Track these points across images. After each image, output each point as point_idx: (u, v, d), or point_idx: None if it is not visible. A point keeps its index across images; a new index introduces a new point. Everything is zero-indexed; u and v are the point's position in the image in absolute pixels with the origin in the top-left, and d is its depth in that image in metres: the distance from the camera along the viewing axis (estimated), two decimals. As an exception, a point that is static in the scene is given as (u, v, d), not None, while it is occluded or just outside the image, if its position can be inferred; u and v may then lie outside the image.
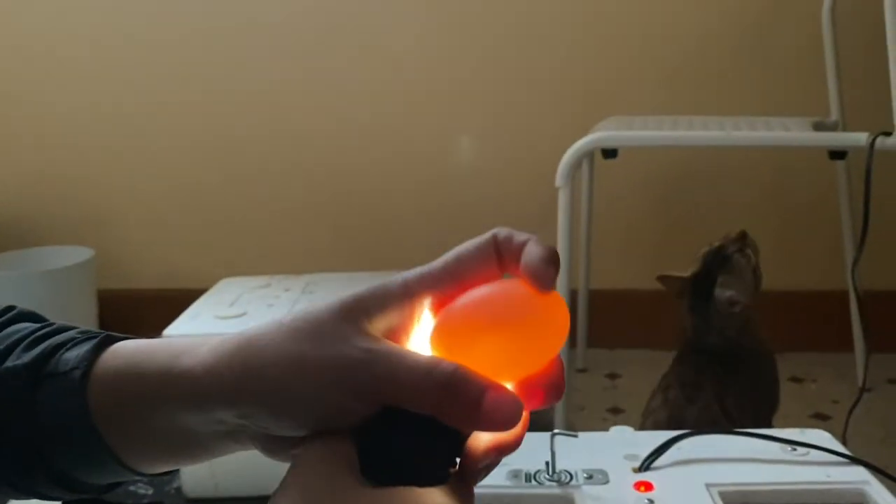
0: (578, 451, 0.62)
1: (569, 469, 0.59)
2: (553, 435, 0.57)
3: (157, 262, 1.83)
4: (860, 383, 1.33)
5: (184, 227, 1.83)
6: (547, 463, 0.58)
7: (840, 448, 0.67)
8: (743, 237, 1.15)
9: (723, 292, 1.09)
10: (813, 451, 0.69)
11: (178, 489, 1.16)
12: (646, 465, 0.62)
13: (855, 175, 1.38)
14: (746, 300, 1.10)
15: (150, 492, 1.18)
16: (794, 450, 0.69)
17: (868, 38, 1.20)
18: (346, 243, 1.75)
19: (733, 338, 1.09)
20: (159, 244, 1.83)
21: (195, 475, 1.15)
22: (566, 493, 0.56)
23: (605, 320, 1.62)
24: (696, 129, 1.27)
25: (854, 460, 0.66)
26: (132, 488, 1.19)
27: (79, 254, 1.71)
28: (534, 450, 0.61)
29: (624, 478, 0.60)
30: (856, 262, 1.12)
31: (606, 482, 0.58)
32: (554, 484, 0.57)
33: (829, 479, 0.63)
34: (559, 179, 1.19)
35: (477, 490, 0.37)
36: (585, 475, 0.59)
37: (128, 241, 1.84)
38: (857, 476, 0.63)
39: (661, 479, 0.59)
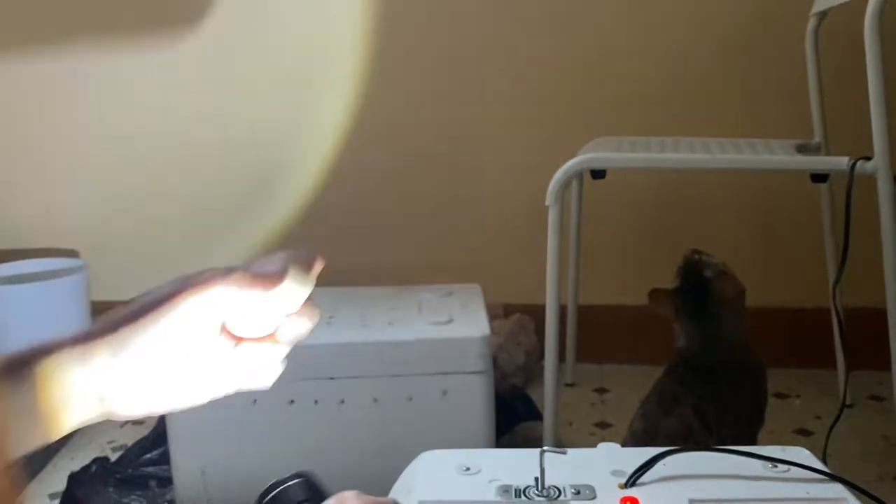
0: (566, 467, 0.64)
1: (557, 485, 0.61)
2: (542, 452, 0.59)
3: (151, 274, 1.84)
4: (841, 400, 1.36)
5: (180, 237, 1.84)
6: (536, 479, 0.60)
7: (819, 465, 0.69)
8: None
9: (715, 275, 1.12)
10: (793, 468, 0.71)
11: (172, 502, 1.17)
12: (632, 482, 0.64)
13: (837, 197, 1.42)
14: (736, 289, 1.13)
15: (143, 504, 1.19)
16: (775, 466, 0.71)
17: (851, 62, 1.23)
18: (344, 257, 1.77)
19: (738, 345, 1.11)
20: (153, 255, 1.85)
21: (188, 488, 1.16)
22: None
23: (594, 335, 1.64)
24: (682, 152, 1.30)
25: (833, 477, 0.68)
26: (125, 501, 1.20)
27: (70, 264, 1.73)
28: (523, 466, 0.63)
29: (611, 493, 0.61)
30: (836, 281, 1.15)
31: (594, 497, 0.60)
32: (543, 500, 0.59)
33: (808, 496, 0.65)
34: (549, 198, 1.21)
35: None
36: (573, 490, 0.61)
37: (120, 252, 1.85)
38: (836, 493, 0.65)
39: (646, 495, 0.61)
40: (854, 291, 1.41)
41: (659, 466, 0.67)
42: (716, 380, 1.14)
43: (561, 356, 1.56)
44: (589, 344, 1.66)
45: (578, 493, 0.60)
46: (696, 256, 1.16)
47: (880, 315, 1.30)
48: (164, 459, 1.21)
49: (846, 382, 1.27)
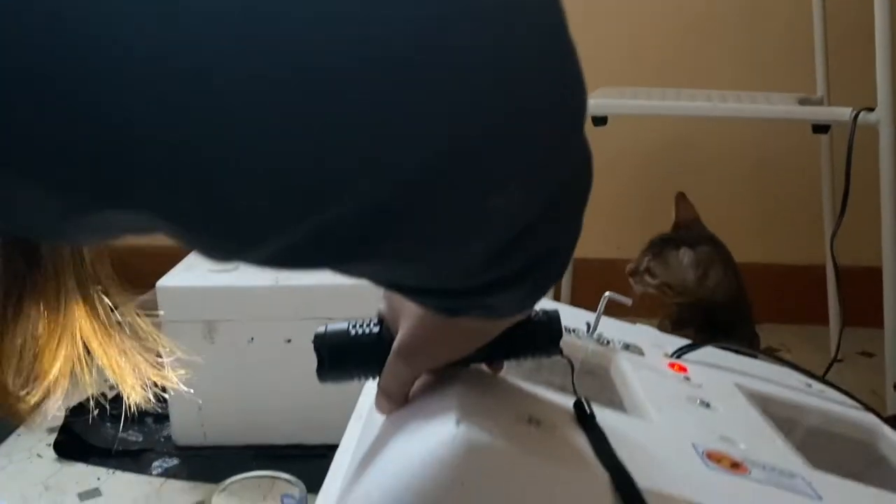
0: (616, 329, 0.63)
1: (607, 336, 0.60)
2: (605, 297, 0.57)
3: None
4: (832, 354, 1.37)
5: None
6: (588, 323, 0.58)
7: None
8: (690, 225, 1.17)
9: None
10: (829, 390, 0.71)
11: (168, 437, 1.14)
12: (678, 354, 0.63)
13: (838, 152, 1.43)
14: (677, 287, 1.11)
15: (141, 439, 1.15)
16: (810, 386, 0.71)
17: (857, 15, 1.25)
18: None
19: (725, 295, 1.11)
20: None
21: (185, 425, 1.13)
22: (604, 351, 0.57)
23: (590, 289, 1.64)
24: (684, 100, 1.31)
25: (867, 408, 0.67)
26: (122, 435, 1.16)
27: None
28: (578, 316, 0.62)
29: (658, 358, 0.60)
30: (834, 233, 1.15)
31: (642, 355, 0.59)
32: (592, 341, 0.58)
33: (842, 416, 0.65)
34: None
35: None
36: (622, 345, 0.59)
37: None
38: (868, 421, 0.64)
39: (692, 368, 0.60)
40: (848, 251, 1.43)
41: (701, 353, 0.65)
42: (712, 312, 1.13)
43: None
44: (585, 299, 1.65)
45: (627, 347, 0.59)
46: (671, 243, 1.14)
47: (874, 273, 1.31)
48: (161, 397, 1.17)
49: (840, 336, 1.29)
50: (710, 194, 1.31)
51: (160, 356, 0.43)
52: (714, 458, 0.43)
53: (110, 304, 0.40)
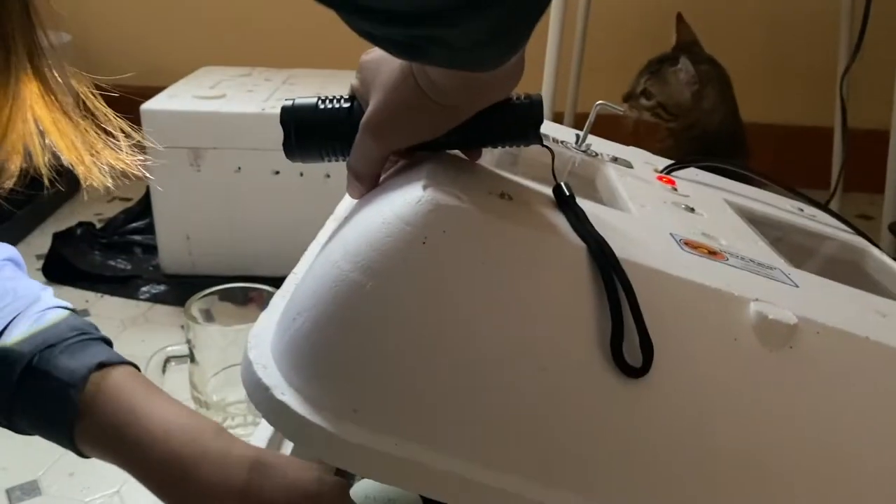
0: (602, 145, 0.61)
1: (596, 150, 0.58)
2: (596, 105, 0.55)
3: (141, 53, 1.75)
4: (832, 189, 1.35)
5: (165, 17, 1.74)
6: (577, 135, 0.56)
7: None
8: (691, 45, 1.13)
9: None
10: (820, 214, 0.69)
11: (157, 266, 1.14)
12: (668, 171, 0.61)
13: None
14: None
15: (129, 267, 1.16)
16: (802, 210, 0.69)
17: None
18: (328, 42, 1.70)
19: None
20: (141, 36, 1.75)
21: (173, 253, 1.13)
22: (592, 162, 0.55)
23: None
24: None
25: (858, 232, 0.66)
26: (111, 262, 1.17)
27: (57, 38, 1.62)
28: (563, 130, 0.60)
29: (647, 172, 0.58)
30: (847, 69, 1.11)
31: (631, 167, 0.57)
32: (581, 153, 0.55)
33: (834, 234, 0.64)
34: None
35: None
36: (610, 158, 0.57)
37: (107, 28, 1.74)
38: (859, 242, 0.64)
39: (681, 182, 0.58)
40: (856, 112, 1.39)
41: (692, 171, 0.64)
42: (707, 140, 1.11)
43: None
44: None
45: (616, 160, 0.57)
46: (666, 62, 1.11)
47: (880, 136, 1.28)
48: (150, 230, 1.16)
49: (841, 173, 1.25)
50: (722, 49, 1.25)
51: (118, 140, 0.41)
52: (691, 245, 0.41)
53: (62, 81, 0.37)
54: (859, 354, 0.36)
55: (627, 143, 0.67)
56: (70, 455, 0.47)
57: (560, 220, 0.36)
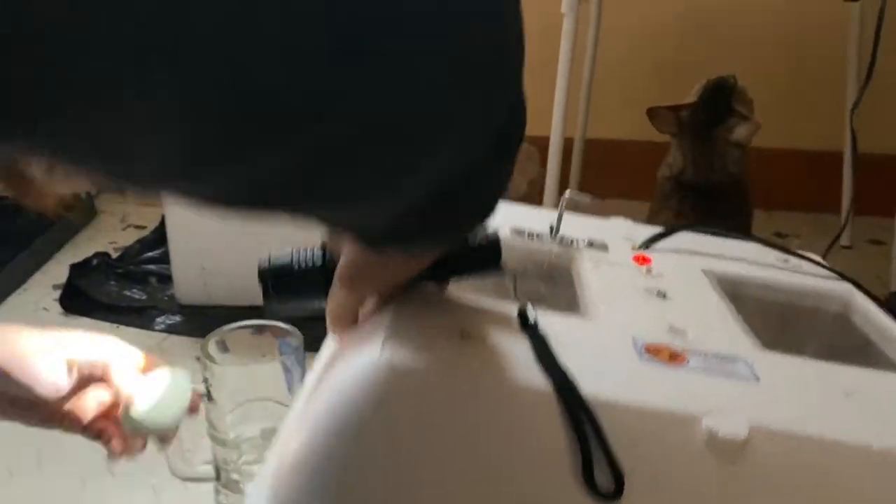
0: (581, 227, 0.63)
1: (571, 236, 0.60)
2: (563, 196, 0.57)
3: None
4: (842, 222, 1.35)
5: None
6: (551, 227, 0.58)
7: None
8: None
9: (735, 128, 1.10)
10: (805, 264, 0.70)
11: (172, 296, 1.18)
12: (645, 245, 0.62)
13: (867, 23, 1.35)
14: (752, 136, 1.10)
15: (144, 297, 1.20)
16: (787, 261, 0.70)
17: None
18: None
19: (733, 172, 1.09)
20: None
21: (188, 284, 1.16)
22: (566, 252, 0.57)
23: (599, 171, 1.62)
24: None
25: (843, 277, 0.67)
26: (126, 292, 1.21)
27: None
28: (542, 218, 0.62)
29: (623, 252, 0.60)
30: (857, 101, 1.11)
31: (606, 251, 0.59)
32: (555, 244, 0.58)
33: (816, 288, 0.65)
34: (565, 5, 1.16)
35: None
36: (586, 243, 0.59)
37: None
38: (844, 290, 0.64)
39: (658, 258, 0.60)
40: (868, 137, 1.38)
41: (672, 240, 0.65)
42: (712, 201, 1.12)
43: (562, 188, 1.55)
44: (593, 180, 1.64)
45: (591, 245, 0.59)
46: (730, 79, 1.12)
47: (893, 160, 1.27)
48: (165, 258, 1.20)
49: (852, 200, 1.25)
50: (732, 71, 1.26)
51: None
52: (652, 350, 0.43)
53: None
54: (812, 455, 0.37)
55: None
56: None
57: (523, 353, 0.38)
